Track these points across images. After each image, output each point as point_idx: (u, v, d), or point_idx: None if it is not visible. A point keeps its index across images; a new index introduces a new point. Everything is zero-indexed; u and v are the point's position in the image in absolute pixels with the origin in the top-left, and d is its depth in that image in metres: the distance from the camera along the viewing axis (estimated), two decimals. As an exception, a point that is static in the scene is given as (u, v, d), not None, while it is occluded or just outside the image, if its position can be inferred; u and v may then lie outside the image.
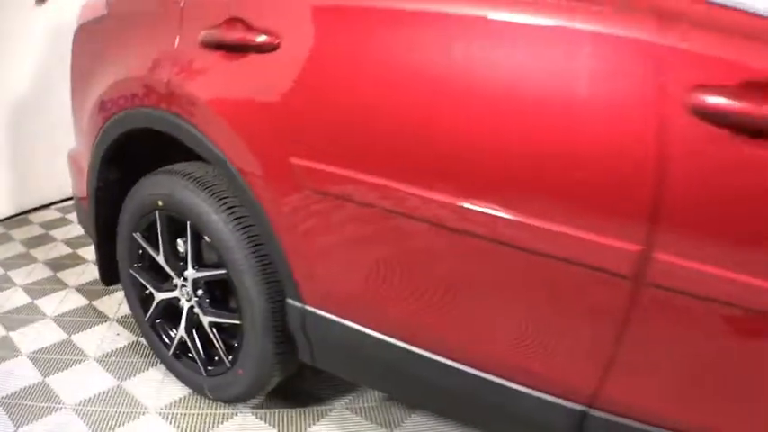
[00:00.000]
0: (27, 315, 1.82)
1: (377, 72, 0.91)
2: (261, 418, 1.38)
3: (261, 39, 1.03)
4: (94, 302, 1.90)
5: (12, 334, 1.71)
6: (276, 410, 1.41)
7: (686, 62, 0.70)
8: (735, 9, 0.69)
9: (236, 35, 1.07)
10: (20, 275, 2.07)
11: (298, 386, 1.46)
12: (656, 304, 0.78)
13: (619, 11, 0.75)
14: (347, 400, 1.44)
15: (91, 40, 1.52)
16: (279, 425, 1.36)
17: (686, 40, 0.71)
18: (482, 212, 0.83)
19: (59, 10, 2.40)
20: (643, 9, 0.73)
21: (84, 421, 1.35)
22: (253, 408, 1.41)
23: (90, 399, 1.44)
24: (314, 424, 1.36)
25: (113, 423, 1.35)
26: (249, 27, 1.06)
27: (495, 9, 0.81)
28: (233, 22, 1.08)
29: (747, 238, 0.72)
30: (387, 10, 0.91)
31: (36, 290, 1.97)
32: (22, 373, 1.52)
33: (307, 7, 1.01)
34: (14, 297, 1.93)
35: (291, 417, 1.39)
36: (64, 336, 1.71)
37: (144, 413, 1.38)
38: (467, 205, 0.84)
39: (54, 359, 1.59)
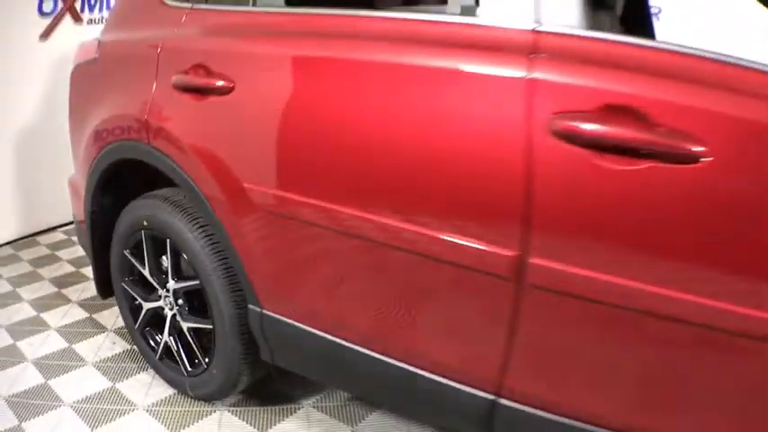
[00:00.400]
0: (33, 326, 2.03)
1: (305, 111, 1.11)
2: (235, 415, 1.56)
3: (219, 83, 1.24)
4: (94, 315, 2.10)
5: (18, 343, 1.92)
6: (249, 408, 1.59)
7: (547, 92, 0.88)
8: (592, 39, 0.86)
9: (200, 80, 1.28)
10: (27, 292, 2.29)
11: (270, 387, 1.64)
12: (539, 303, 0.95)
13: (492, 52, 0.93)
14: (314, 400, 1.62)
15: (85, 80, 1.74)
16: (251, 421, 1.54)
17: (547, 72, 0.88)
18: (391, 226, 1.02)
19: (61, 45, 2.66)
20: (513, 49, 0.91)
21: (81, 417, 1.54)
22: (230, 406, 1.59)
23: (86, 398, 1.63)
24: (282, 420, 1.54)
25: (106, 419, 1.54)
26: (210, 72, 1.27)
27: (398, 55, 1.01)
28: (198, 68, 1.29)
29: (609, 241, 0.88)
30: (312, 58, 1.12)
31: (41, 304, 2.19)
32: (26, 376, 1.72)
33: (253, 57, 1.21)
34: (22, 311, 2.14)
35: (262, 414, 1.56)
36: (65, 344, 1.92)
37: (133, 410, 1.57)
38: (382, 221, 1.03)
39: (56, 364, 1.79)
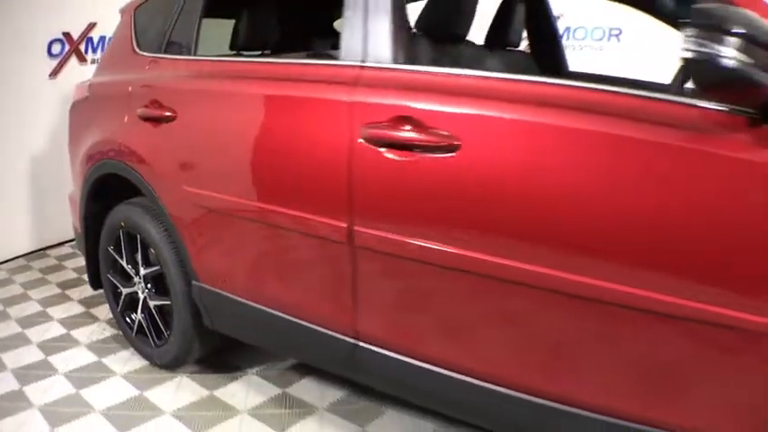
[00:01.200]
0: (39, 318, 2.50)
1: (220, 131, 1.57)
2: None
3: (167, 113, 1.71)
4: (91, 310, 2.57)
5: (26, 330, 2.40)
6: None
7: (361, 110, 1.31)
8: (392, 70, 1.28)
9: (154, 111, 1.75)
10: (36, 293, 2.77)
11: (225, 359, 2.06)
12: (368, 260, 1.33)
13: (336, 84, 1.36)
14: (258, 368, 2.04)
15: (80, 114, 2.24)
16: (208, 386, 1.95)
17: (362, 96, 1.31)
18: (281, 213, 1.45)
19: (68, 82, 3.20)
20: (346, 80, 1.34)
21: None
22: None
23: (78, 368, 2.07)
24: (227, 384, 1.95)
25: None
26: (162, 106, 1.74)
27: (278, 88, 1.46)
28: (154, 102, 1.77)
29: (403, 212, 1.25)
30: (224, 92, 1.58)
31: (49, 302, 2.67)
32: (29, 353, 2.18)
33: (188, 93, 1.69)
34: (31, 307, 2.62)
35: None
36: (65, 330, 2.38)
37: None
38: (271, 208, 1.46)
39: (55, 345, 2.25)
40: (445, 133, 1.17)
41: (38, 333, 2.35)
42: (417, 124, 1.20)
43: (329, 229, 1.34)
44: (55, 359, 2.14)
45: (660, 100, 0.99)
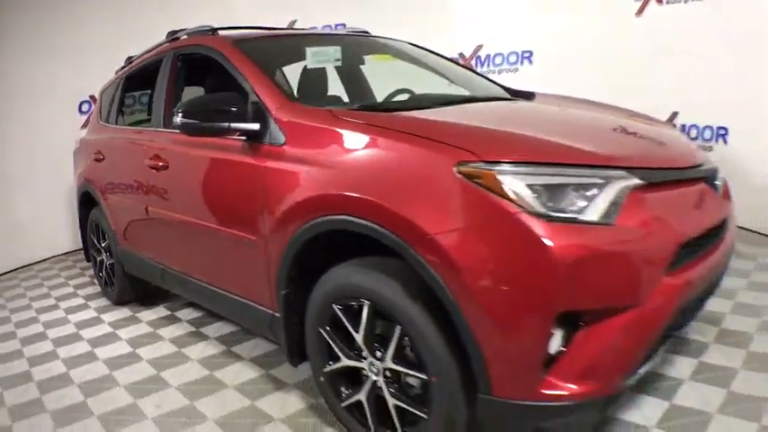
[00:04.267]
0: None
1: (119, 164, 3.39)
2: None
3: (101, 157, 3.59)
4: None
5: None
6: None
7: (147, 150, 3.03)
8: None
9: (99, 156, 3.62)
10: (65, 271, 4.80)
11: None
12: (155, 221, 3.06)
13: (145, 136, 3.12)
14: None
15: (76, 157, 4.21)
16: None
17: (150, 142, 3.04)
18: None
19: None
20: (146, 137, 3.07)
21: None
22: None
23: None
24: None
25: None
26: (100, 152, 3.63)
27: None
28: (99, 152, 3.64)
29: (164, 198, 2.96)
30: (122, 145, 3.41)
31: (79, 284, 4.67)
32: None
33: (112, 145, 3.53)
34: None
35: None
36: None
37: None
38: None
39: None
40: (164, 162, 2.80)
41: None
42: (159, 157, 2.82)
43: (144, 208, 3.05)
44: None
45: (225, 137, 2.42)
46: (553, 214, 1.46)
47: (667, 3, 4.54)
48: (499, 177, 1.49)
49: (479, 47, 5.63)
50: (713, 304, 2.90)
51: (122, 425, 2.32)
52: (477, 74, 3.28)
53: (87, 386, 2.69)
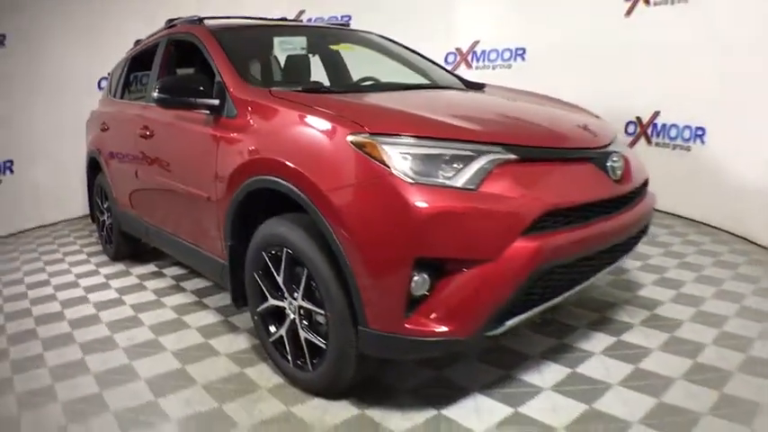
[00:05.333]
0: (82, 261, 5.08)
1: (119, 133, 3.90)
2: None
3: (106, 127, 4.11)
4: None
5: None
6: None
7: (141, 121, 3.53)
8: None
9: (105, 126, 4.15)
10: (86, 246, 5.39)
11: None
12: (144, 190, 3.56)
13: (137, 109, 3.61)
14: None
15: (87, 127, 4.72)
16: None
17: (143, 114, 3.54)
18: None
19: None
20: (140, 109, 3.57)
21: None
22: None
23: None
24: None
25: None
26: (105, 123, 4.16)
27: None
28: (105, 123, 4.18)
29: (147, 166, 3.46)
30: (122, 117, 3.92)
31: (89, 244, 5.25)
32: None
33: (115, 116, 4.04)
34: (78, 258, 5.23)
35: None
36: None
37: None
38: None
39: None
40: (150, 132, 3.31)
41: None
42: (147, 127, 3.35)
43: (134, 172, 3.56)
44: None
45: (194, 110, 2.91)
46: (419, 178, 1.83)
47: (655, 4, 4.80)
48: (379, 146, 1.88)
49: (476, 43, 5.98)
50: (654, 292, 3.19)
51: (97, 351, 2.80)
52: (439, 66, 3.65)
53: (76, 322, 3.19)
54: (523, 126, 2.25)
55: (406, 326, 1.85)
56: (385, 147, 1.87)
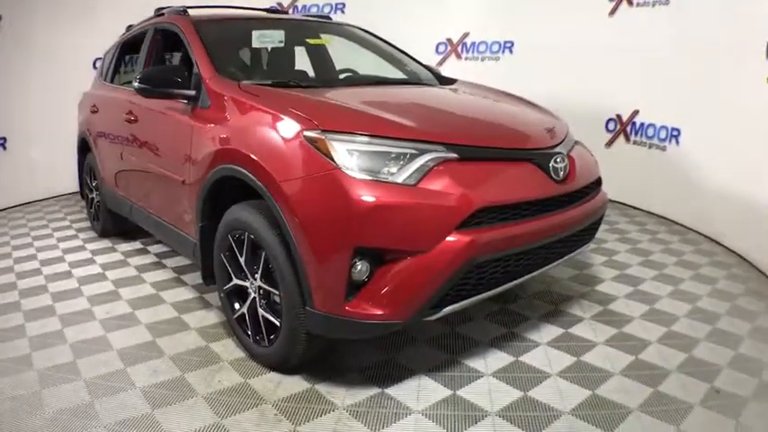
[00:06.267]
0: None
1: (108, 116, 4.09)
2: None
3: (95, 110, 4.29)
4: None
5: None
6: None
7: (129, 106, 3.71)
8: None
9: (95, 109, 4.32)
10: (76, 222, 5.60)
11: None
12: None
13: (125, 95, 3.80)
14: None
15: (79, 108, 4.89)
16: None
17: (130, 99, 3.72)
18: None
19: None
20: (127, 94, 3.76)
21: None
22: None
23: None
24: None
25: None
26: (95, 105, 4.34)
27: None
28: (95, 105, 4.36)
29: (138, 150, 3.66)
30: (112, 99, 4.09)
31: (81, 225, 5.47)
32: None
33: (106, 100, 4.22)
34: (64, 223, 5.44)
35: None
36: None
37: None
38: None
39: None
40: (135, 116, 3.49)
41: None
42: (132, 112, 3.54)
43: (120, 154, 3.77)
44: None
45: (176, 100, 3.09)
46: (362, 173, 2.02)
47: (637, 5, 4.94)
48: (328, 142, 2.07)
49: (466, 34, 6.12)
50: (611, 288, 3.36)
51: (75, 323, 3.01)
52: (415, 60, 3.81)
53: (58, 295, 3.40)
54: (468, 126, 2.42)
55: (347, 308, 2.04)
56: (334, 143, 2.05)
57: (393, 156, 2.05)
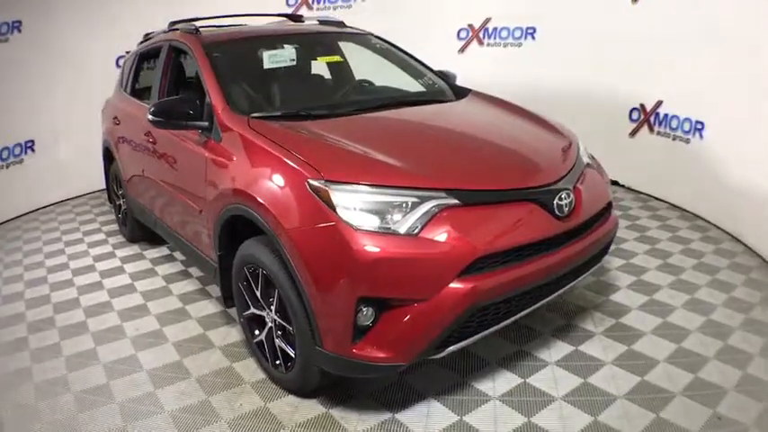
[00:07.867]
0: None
1: (128, 127, 4.25)
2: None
3: (118, 121, 4.46)
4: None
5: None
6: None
7: (146, 125, 3.87)
8: None
9: (117, 121, 4.45)
10: (105, 225, 5.86)
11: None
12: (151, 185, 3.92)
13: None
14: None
15: (102, 115, 5.04)
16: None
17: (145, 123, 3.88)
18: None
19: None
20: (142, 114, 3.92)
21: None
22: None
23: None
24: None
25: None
26: (116, 117, 4.52)
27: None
28: (116, 117, 4.54)
29: (150, 164, 3.77)
30: (131, 112, 4.24)
31: (109, 223, 5.73)
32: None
33: (123, 111, 4.38)
34: (81, 211, 5.71)
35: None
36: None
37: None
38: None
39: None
40: (153, 139, 3.62)
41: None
42: (151, 134, 3.65)
43: (141, 170, 3.94)
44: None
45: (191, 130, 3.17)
46: (365, 224, 2.12)
47: (660, -7, 4.83)
48: (332, 193, 2.18)
49: (488, 20, 6.08)
50: (626, 297, 3.38)
51: (108, 341, 3.23)
52: (430, 69, 3.86)
53: (90, 310, 3.64)
54: (471, 166, 2.46)
55: (354, 351, 2.19)
56: (337, 194, 2.16)
57: (396, 204, 2.15)
